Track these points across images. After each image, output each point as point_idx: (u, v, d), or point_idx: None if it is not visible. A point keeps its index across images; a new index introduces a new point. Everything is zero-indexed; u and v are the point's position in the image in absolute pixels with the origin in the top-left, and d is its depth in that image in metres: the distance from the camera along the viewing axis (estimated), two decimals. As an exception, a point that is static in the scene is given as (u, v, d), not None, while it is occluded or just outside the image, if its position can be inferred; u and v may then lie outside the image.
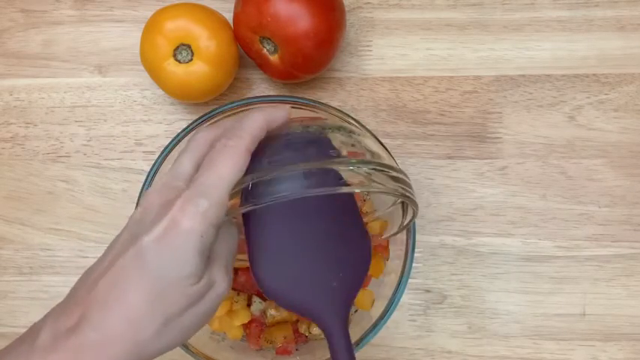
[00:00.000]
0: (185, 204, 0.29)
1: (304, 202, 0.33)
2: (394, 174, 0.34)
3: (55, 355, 0.28)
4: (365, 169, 0.33)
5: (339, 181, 0.32)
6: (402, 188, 0.34)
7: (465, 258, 0.52)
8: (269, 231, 0.36)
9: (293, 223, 0.37)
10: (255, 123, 0.32)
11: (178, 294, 0.30)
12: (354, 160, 0.34)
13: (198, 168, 0.32)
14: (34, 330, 0.30)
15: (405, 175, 0.35)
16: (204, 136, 0.33)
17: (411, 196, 0.35)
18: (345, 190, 0.33)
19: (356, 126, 0.42)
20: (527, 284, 0.52)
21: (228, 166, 0.30)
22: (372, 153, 0.36)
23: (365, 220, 0.45)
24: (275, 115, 0.34)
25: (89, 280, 0.30)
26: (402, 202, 0.40)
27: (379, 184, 0.34)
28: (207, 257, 0.31)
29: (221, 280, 0.32)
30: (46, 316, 0.31)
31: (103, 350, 0.29)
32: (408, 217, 0.39)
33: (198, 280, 0.30)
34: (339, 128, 0.37)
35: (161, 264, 0.29)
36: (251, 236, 0.37)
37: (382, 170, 0.34)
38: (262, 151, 0.33)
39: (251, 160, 0.32)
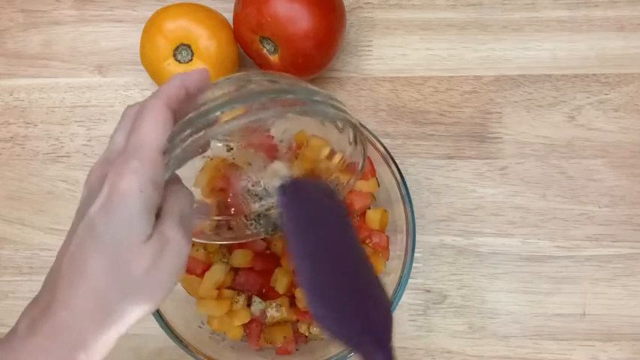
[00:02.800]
0: (119, 167, 0.30)
1: (329, 243, 0.35)
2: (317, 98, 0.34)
3: (33, 339, 0.30)
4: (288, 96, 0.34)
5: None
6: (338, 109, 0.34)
7: (465, 258, 0.52)
8: (313, 274, 0.37)
9: (330, 266, 0.38)
10: (169, 83, 0.33)
11: (134, 254, 0.30)
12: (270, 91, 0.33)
13: None
14: (16, 324, 0.32)
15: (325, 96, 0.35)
16: (133, 109, 0.34)
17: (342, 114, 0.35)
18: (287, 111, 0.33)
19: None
20: (527, 284, 0.52)
21: (150, 124, 0.31)
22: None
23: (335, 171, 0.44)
24: (191, 75, 0.34)
25: (54, 266, 0.32)
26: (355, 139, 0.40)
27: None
28: (155, 215, 0.31)
29: (175, 236, 0.32)
30: (24, 310, 0.32)
31: (76, 325, 0.30)
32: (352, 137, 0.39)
33: (148, 236, 0.31)
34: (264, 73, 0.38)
35: (110, 229, 0.30)
36: (301, 282, 0.37)
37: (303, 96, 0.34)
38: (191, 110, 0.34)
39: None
